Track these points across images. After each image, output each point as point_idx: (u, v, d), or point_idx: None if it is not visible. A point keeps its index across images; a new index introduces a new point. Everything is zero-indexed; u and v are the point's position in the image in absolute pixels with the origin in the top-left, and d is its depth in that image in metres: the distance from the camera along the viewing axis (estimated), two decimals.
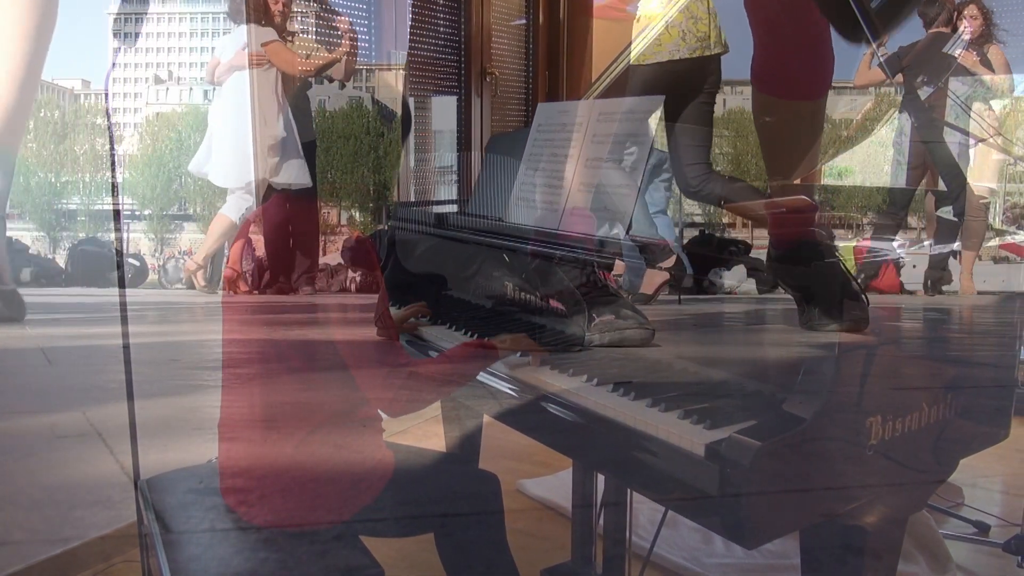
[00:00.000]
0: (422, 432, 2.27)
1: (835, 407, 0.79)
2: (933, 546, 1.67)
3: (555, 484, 2.14)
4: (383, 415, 1.10)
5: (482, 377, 1.11)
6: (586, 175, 1.27)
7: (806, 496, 0.78)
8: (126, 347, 1.39)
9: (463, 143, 3.13)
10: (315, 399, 1.08)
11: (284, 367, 1.23)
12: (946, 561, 1.66)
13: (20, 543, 1.73)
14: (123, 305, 1.46)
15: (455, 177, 3.13)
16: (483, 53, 3.18)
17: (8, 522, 1.82)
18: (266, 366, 1.22)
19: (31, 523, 1.81)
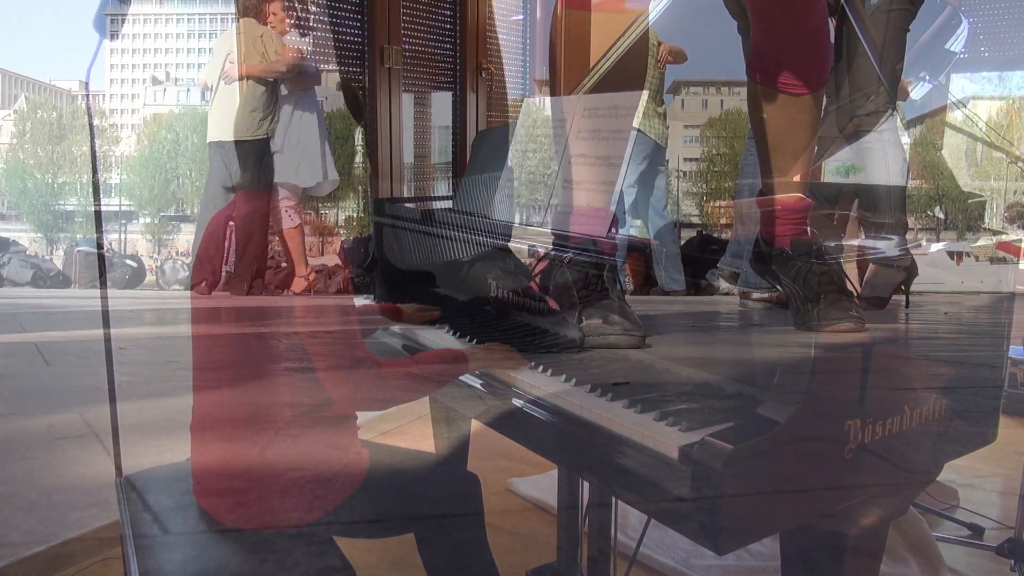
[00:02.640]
0: (419, 432, 2.26)
1: (814, 408, 0.77)
2: (925, 548, 1.64)
3: (546, 483, 2.13)
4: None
5: (464, 377, 1.09)
6: (570, 171, 1.25)
7: (781, 500, 0.76)
8: (108, 347, 1.38)
9: (458, 139, 3.11)
10: (287, 398, 1.07)
11: (272, 367, 1.21)
12: (938, 564, 1.64)
13: (17, 544, 1.72)
14: (105, 311, 1.45)
15: (450, 173, 3.12)
16: (479, 49, 3.17)
17: (6, 523, 1.81)
18: (244, 365, 1.21)
19: (28, 525, 1.81)
